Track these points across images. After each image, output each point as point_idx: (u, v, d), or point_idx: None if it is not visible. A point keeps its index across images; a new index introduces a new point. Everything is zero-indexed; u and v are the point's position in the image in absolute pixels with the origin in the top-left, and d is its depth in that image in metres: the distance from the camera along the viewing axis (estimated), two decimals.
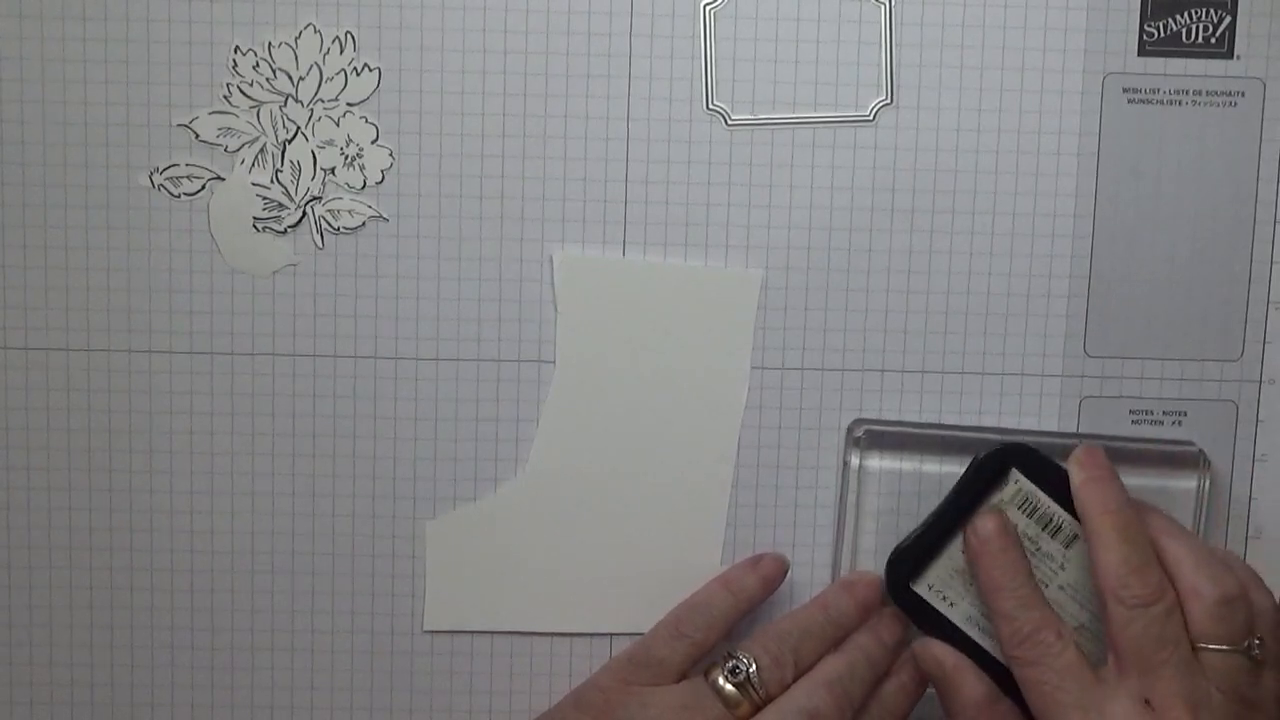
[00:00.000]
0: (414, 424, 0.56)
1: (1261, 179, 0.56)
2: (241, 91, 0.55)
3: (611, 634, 0.57)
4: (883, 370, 0.56)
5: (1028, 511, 0.54)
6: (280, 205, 0.55)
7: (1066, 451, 0.54)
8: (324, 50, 0.54)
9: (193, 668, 0.57)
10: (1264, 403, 0.57)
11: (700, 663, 0.54)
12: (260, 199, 0.55)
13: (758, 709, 0.52)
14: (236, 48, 0.54)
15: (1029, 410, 0.57)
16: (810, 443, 0.57)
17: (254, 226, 0.55)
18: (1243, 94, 0.56)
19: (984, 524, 0.53)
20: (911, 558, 0.54)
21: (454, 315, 0.56)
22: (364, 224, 0.55)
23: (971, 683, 0.53)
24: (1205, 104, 0.56)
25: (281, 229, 0.55)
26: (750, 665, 0.52)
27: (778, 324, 0.56)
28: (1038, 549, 0.54)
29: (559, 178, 0.55)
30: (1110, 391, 0.57)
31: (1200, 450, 0.56)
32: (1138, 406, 0.57)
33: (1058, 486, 0.54)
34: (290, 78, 0.54)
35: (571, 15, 0.55)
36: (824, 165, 0.55)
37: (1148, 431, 0.57)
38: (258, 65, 0.54)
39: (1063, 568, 0.54)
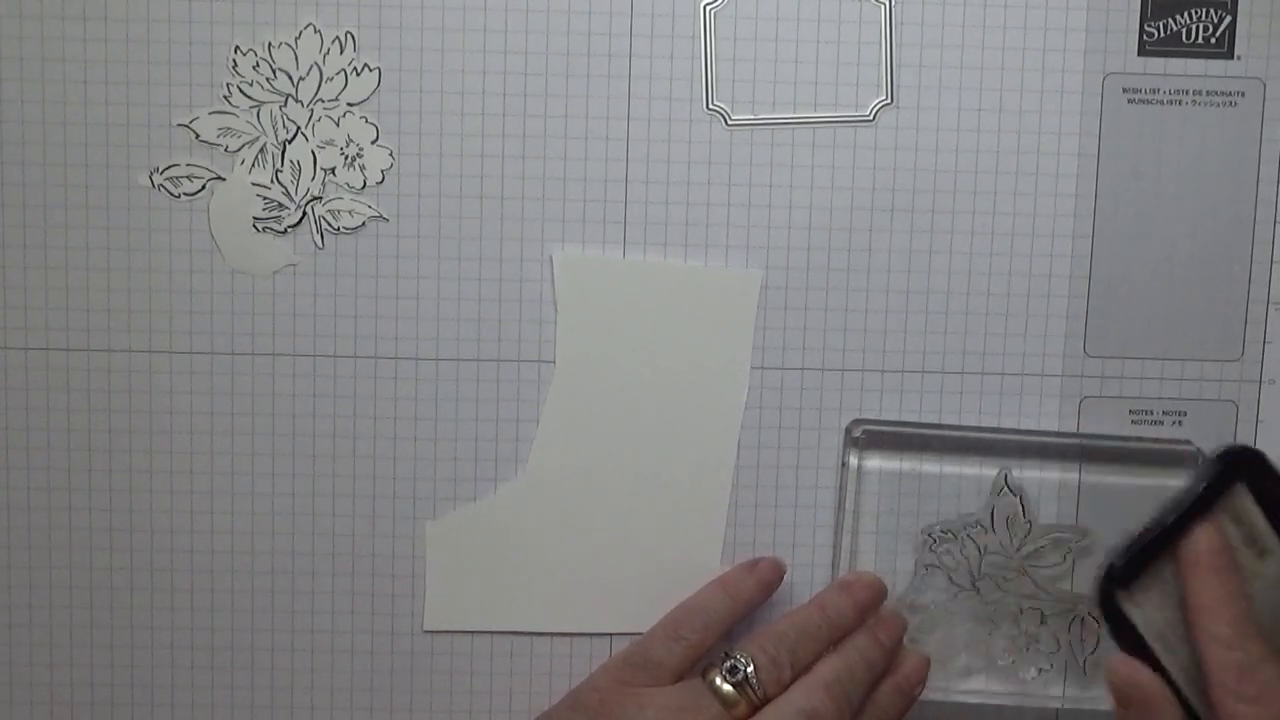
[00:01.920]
0: (414, 424, 0.56)
1: (1261, 179, 0.56)
2: (241, 91, 0.55)
3: (611, 634, 0.57)
4: (882, 370, 0.56)
5: (1237, 522, 0.49)
6: (280, 205, 0.55)
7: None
8: (324, 50, 0.54)
9: (193, 668, 0.57)
10: (1264, 403, 0.57)
11: (697, 664, 0.54)
12: (260, 199, 0.55)
13: (755, 709, 0.52)
14: (236, 48, 0.54)
15: (1029, 410, 0.57)
16: (810, 443, 0.57)
17: (254, 226, 0.55)
18: (1243, 94, 0.56)
19: (1207, 539, 0.48)
20: (1128, 569, 0.49)
21: (454, 315, 0.56)
22: (364, 224, 0.55)
23: (1170, 715, 0.48)
24: (1205, 104, 0.56)
25: (281, 229, 0.55)
26: (748, 665, 0.52)
27: (778, 324, 0.56)
28: (1240, 564, 0.49)
29: (559, 178, 0.55)
30: (1110, 391, 0.57)
31: (1198, 450, 0.56)
32: (1138, 406, 0.57)
33: (1272, 499, 0.49)
34: (290, 78, 0.54)
35: (571, 15, 0.55)
36: (824, 165, 0.55)
37: (1147, 431, 0.57)
38: (258, 65, 0.54)
39: (1250, 585, 0.49)
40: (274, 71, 0.54)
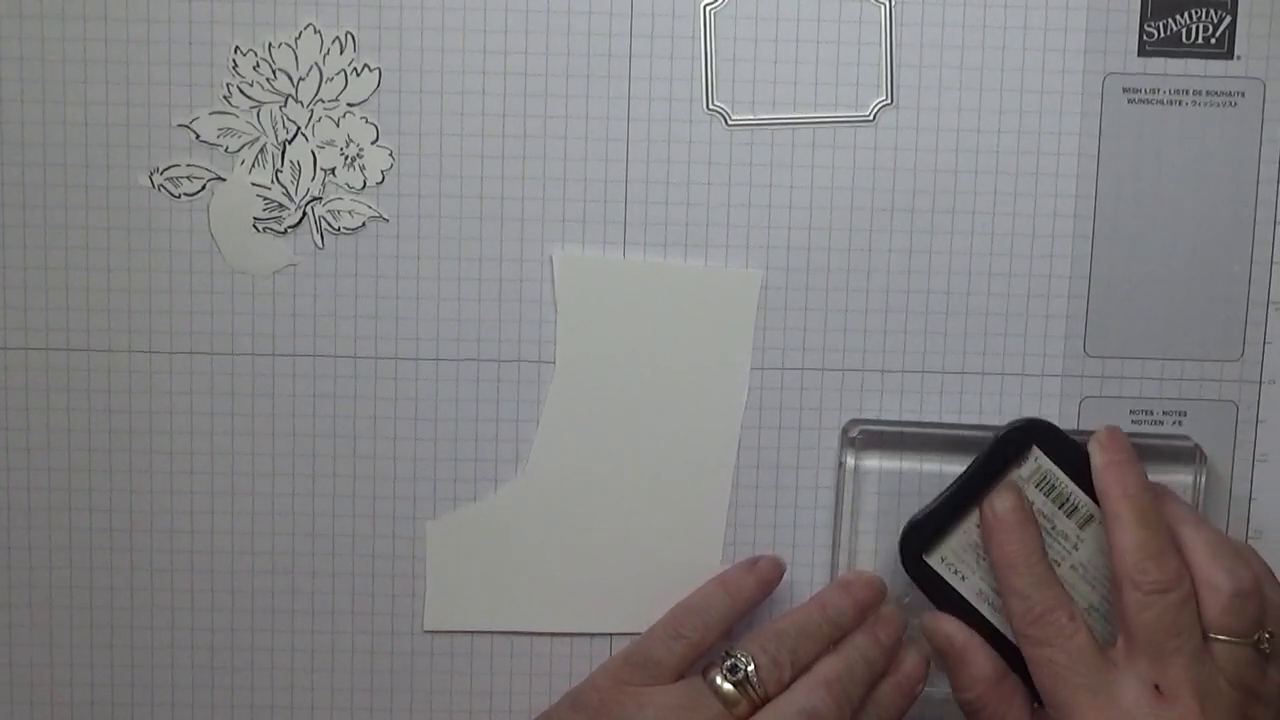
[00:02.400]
0: (414, 424, 0.56)
1: (1261, 179, 0.56)
2: (241, 91, 0.55)
3: (611, 634, 0.57)
4: (882, 370, 0.56)
5: (1045, 489, 0.54)
6: (280, 205, 0.55)
7: (1086, 435, 0.54)
8: (324, 50, 0.54)
9: (193, 668, 0.57)
10: (1264, 403, 0.57)
11: (697, 663, 0.54)
12: (260, 199, 0.55)
13: (756, 708, 0.52)
14: (236, 48, 0.54)
15: (1029, 410, 0.57)
16: (810, 443, 0.57)
17: (254, 227, 0.55)
18: (1243, 94, 0.56)
19: (1001, 499, 0.53)
20: (927, 529, 0.54)
21: (454, 315, 0.56)
22: (364, 224, 0.55)
23: (980, 660, 0.53)
24: (1205, 104, 0.56)
25: (281, 229, 0.55)
26: (749, 664, 0.52)
27: (778, 324, 0.56)
28: (1053, 527, 0.54)
29: (559, 178, 0.55)
30: (1110, 391, 0.57)
31: (1196, 445, 0.56)
32: (1138, 406, 0.57)
33: (1077, 466, 0.54)
34: (290, 78, 0.54)
35: (571, 15, 0.55)
36: (824, 165, 0.55)
37: (1147, 431, 0.57)
38: (258, 65, 0.54)
39: (1076, 548, 0.54)
40: (274, 72, 0.54)
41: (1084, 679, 0.50)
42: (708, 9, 0.55)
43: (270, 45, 0.54)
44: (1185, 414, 0.57)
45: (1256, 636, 0.50)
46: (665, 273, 0.56)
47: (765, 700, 0.52)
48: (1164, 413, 0.57)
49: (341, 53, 0.54)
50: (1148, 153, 0.56)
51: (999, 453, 0.54)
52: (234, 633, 0.57)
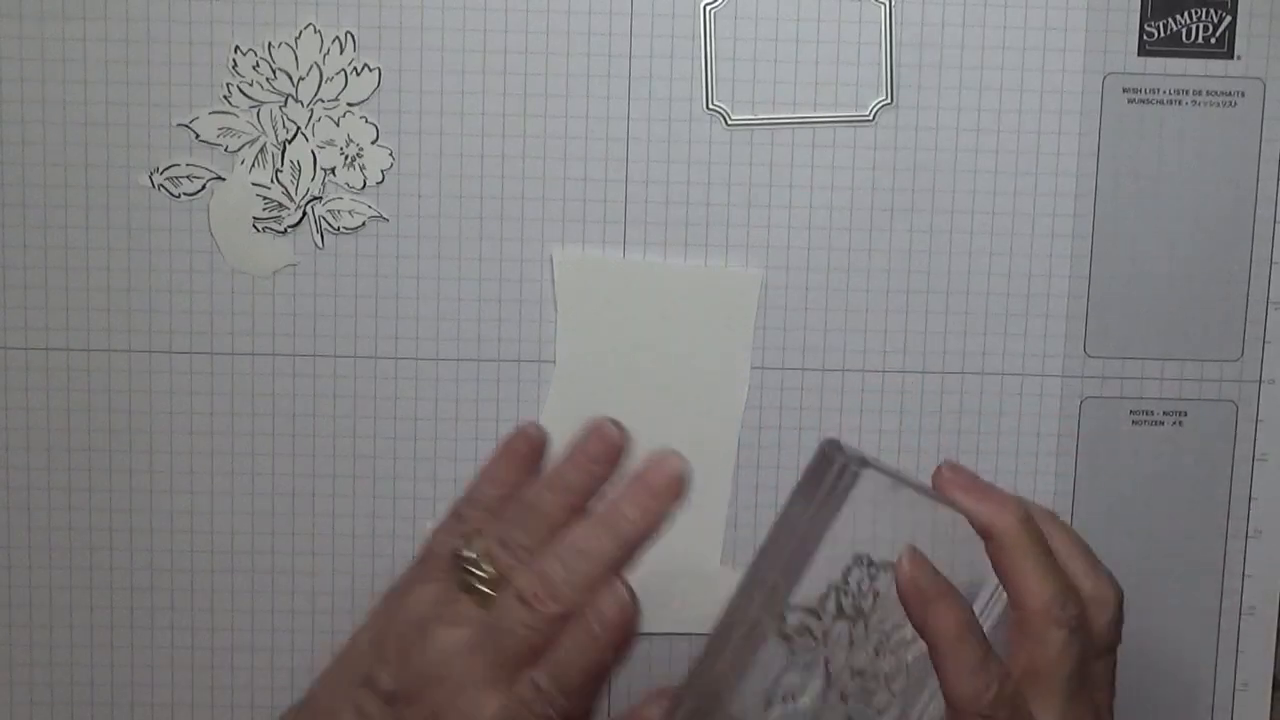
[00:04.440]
0: (414, 424, 0.56)
1: (1261, 179, 0.56)
2: (241, 91, 0.55)
3: None
4: (883, 370, 0.56)
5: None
6: (280, 205, 0.55)
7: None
8: (324, 50, 0.54)
9: (193, 668, 0.57)
10: (1264, 403, 0.57)
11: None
12: (260, 199, 0.55)
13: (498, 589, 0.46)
14: (236, 48, 0.54)
15: (1029, 410, 0.57)
16: (810, 443, 0.56)
17: (254, 226, 0.55)
18: (1243, 94, 0.56)
19: (920, 567, 0.46)
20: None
21: (454, 315, 0.56)
22: (364, 224, 0.55)
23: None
24: (1205, 104, 0.56)
25: (281, 229, 0.55)
26: (473, 552, 0.47)
27: (778, 324, 0.56)
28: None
29: (559, 178, 0.55)
30: (1110, 392, 0.57)
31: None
32: (1138, 407, 0.57)
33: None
34: (290, 78, 0.54)
35: (571, 15, 0.55)
36: (824, 165, 0.55)
37: (1148, 431, 0.57)
38: (258, 65, 0.54)
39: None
40: (274, 71, 0.54)
41: None
42: (708, 9, 0.55)
43: (270, 45, 0.54)
44: (1185, 414, 0.57)
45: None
46: (665, 273, 0.56)
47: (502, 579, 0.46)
48: (1164, 413, 0.57)
49: (341, 52, 0.54)
50: (1148, 153, 0.56)
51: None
52: (234, 633, 0.57)
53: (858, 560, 0.48)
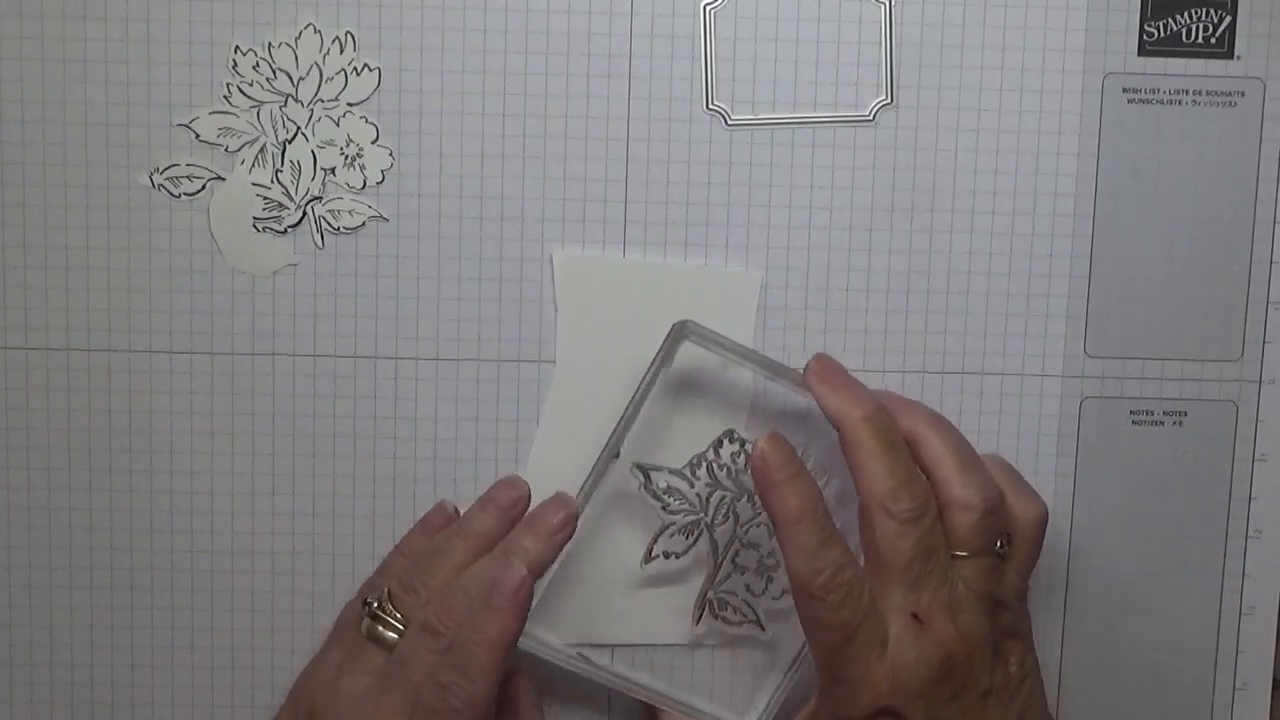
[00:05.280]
0: (414, 424, 0.56)
1: (1261, 179, 0.56)
2: (241, 91, 0.55)
3: (613, 645, 0.57)
4: (883, 371, 0.56)
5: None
6: (280, 205, 0.55)
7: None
8: (324, 50, 0.54)
9: (193, 668, 0.57)
10: (1264, 403, 0.57)
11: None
12: (260, 199, 0.55)
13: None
14: (236, 48, 0.54)
15: (1029, 410, 0.57)
16: (810, 443, 0.57)
17: (254, 226, 0.55)
18: (1243, 94, 0.56)
19: (773, 448, 0.49)
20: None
21: (454, 315, 0.56)
22: (364, 224, 0.55)
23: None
24: (1205, 104, 0.56)
25: (281, 229, 0.55)
26: (381, 600, 0.51)
27: (778, 324, 0.56)
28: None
29: (559, 178, 0.55)
30: (1110, 391, 0.57)
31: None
32: (1138, 407, 0.57)
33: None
34: (290, 78, 0.54)
35: (571, 15, 0.55)
36: (824, 165, 0.55)
37: (1148, 431, 0.57)
38: (258, 65, 0.54)
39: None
40: (274, 71, 0.54)
41: (869, 633, 0.48)
42: (708, 9, 0.55)
43: (270, 45, 0.54)
44: (1185, 414, 0.57)
45: (998, 543, 0.50)
46: (665, 273, 0.56)
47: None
48: (1164, 413, 0.57)
49: (341, 52, 0.54)
50: (1148, 153, 0.56)
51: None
52: (234, 633, 0.57)
53: (728, 434, 0.54)
